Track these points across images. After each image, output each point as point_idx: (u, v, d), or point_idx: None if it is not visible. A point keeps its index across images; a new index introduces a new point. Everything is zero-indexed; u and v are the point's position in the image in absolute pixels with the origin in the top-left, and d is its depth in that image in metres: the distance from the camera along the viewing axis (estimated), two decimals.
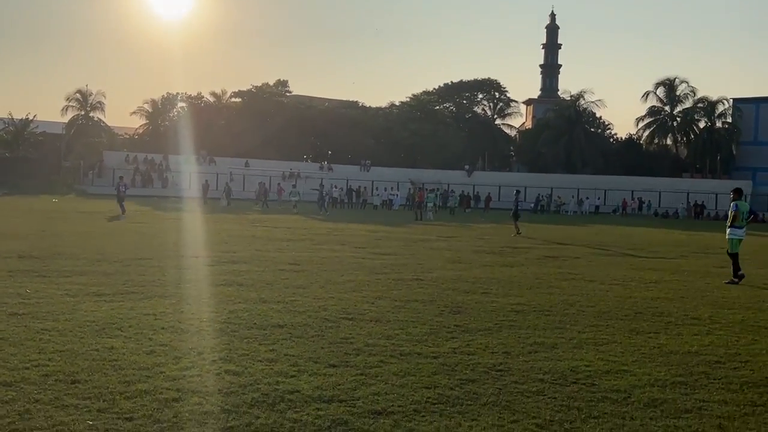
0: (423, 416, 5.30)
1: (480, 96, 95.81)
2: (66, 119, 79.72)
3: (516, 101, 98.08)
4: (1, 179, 57.46)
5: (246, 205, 48.89)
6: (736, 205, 14.67)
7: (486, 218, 44.37)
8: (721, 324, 9.50)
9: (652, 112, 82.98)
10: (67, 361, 6.43)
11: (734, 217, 14.63)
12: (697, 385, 6.41)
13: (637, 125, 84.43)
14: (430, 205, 42.40)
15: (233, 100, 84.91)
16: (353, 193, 60.80)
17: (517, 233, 27.74)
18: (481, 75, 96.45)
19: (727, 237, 14.75)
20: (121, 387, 5.70)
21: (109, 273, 12.43)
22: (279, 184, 59.54)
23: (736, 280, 14.15)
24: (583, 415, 5.44)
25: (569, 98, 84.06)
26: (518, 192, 32.33)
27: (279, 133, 76.64)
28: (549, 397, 5.85)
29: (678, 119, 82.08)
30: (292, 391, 5.73)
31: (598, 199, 66.46)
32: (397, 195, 59.68)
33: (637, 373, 6.71)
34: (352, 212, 47.88)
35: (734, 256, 14.49)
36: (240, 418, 5.11)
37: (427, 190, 46.71)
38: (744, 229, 14.76)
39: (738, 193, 14.84)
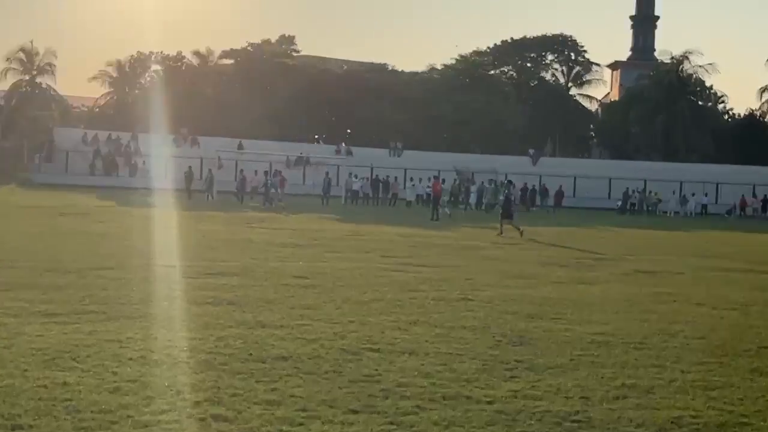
0: None
1: (550, 57, 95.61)
2: (5, 86, 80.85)
3: (598, 64, 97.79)
4: None
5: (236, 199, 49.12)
6: None
7: (556, 219, 44.17)
8: None
9: None
10: (7, 401, 6.50)
11: None
12: None
13: (761, 98, 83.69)
14: (445, 199, 43.89)
15: (223, 62, 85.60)
16: (380, 184, 60.75)
17: (500, 233, 28.55)
18: (551, 30, 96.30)
19: None
20: None
21: (61, 286, 12.54)
22: (281, 172, 59.55)
23: None
24: None
25: (669, 61, 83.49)
26: (511, 183, 35.85)
27: (283, 105, 77.06)
28: None
29: None
30: None
31: (707, 195, 65.84)
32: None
33: (761, 428, 6.65)
34: (379, 210, 47.91)
35: None
36: None
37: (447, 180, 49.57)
38: None
39: None
